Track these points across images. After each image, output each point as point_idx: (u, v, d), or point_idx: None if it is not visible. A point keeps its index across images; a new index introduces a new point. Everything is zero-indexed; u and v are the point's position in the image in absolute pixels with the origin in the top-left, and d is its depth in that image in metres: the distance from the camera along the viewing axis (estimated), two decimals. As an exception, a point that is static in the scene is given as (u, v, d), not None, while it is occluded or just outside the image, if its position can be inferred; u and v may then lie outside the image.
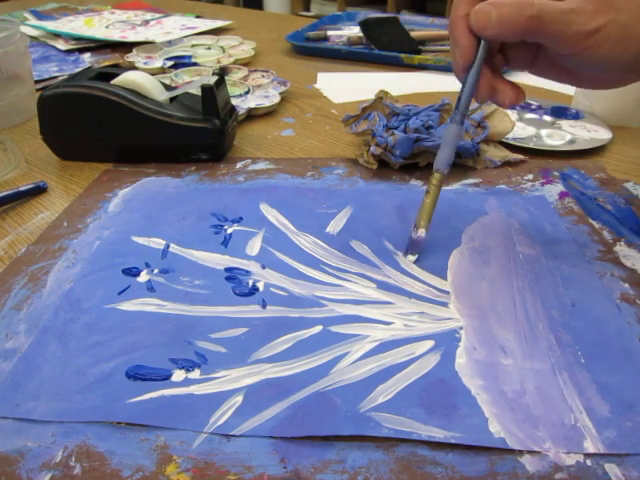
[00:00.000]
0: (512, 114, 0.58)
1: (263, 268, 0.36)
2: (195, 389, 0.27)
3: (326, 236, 0.39)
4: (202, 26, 0.97)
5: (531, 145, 0.52)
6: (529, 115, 0.59)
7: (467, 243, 0.38)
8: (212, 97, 0.47)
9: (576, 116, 0.58)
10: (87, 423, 0.26)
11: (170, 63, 0.75)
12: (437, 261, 0.37)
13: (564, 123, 0.56)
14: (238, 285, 0.35)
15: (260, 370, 0.28)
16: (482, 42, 0.31)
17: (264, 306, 0.33)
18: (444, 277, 0.35)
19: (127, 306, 0.33)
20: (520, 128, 0.55)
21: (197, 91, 0.50)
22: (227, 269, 0.36)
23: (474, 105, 0.53)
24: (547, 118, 0.58)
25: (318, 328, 0.31)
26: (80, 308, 0.33)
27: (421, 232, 0.35)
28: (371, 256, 0.37)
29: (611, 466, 0.23)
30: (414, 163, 0.48)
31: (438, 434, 0.25)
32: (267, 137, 0.57)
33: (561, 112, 0.59)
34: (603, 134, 0.54)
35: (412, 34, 0.85)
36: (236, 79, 0.67)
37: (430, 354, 0.29)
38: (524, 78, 0.75)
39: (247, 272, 0.36)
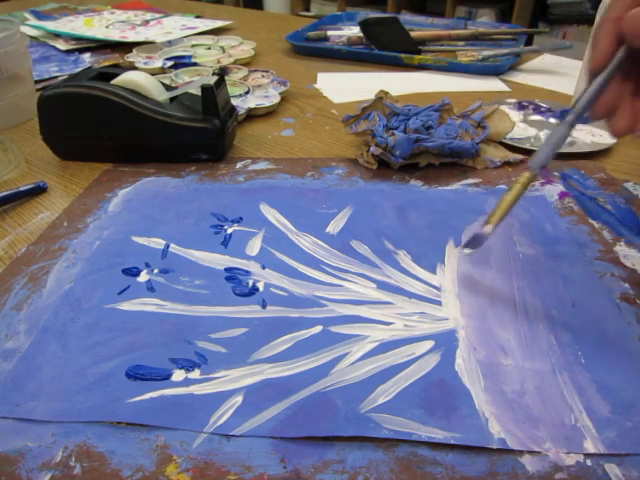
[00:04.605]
0: (516, 115, 0.58)
1: (263, 268, 0.36)
2: (195, 389, 0.27)
3: (326, 236, 0.39)
4: (202, 26, 0.97)
5: (527, 146, 0.52)
6: (534, 117, 0.59)
7: (467, 243, 0.38)
8: (212, 97, 0.47)
9: (585, 120, 0.57)
10: (87, 423, 0.26)
11: (170, 63, 0.75)
12: (437, 261, 0.37)
13: None
14: (238, 285, 0.35)
15: (260, 370, 0.28)
16: (623, 49, 0.28)
17: (264, 306, 0.33)
18: (444, 277, 0.35)
19: (127, 306, 0.33)
20: (521, 129, 0.55)
21: (197, 91, 0.50)
22: (227, 269, 0.36)
23: (474, 105, 0.53)
24: (553, 121, 0.58)
25: (318, 328, 0.31)
26: (80, 308, 0.33)
27: (488, 228, 0.31)
28: (371, 256, 0.37)
29: (611, 466, 0.23)
30: (414, 163, 0.48)
31: (438, 435, 0.25)
32: (267, 137, 0.57)
33: None
34: (607, 139, 0.53)
35: (412, 34, 0.85)
36: (236, 79, 0.67)
37: (430, 354, 0.29)
38: (522, 78, 0.75)
39: (247, 272, 0.36)
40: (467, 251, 0.33)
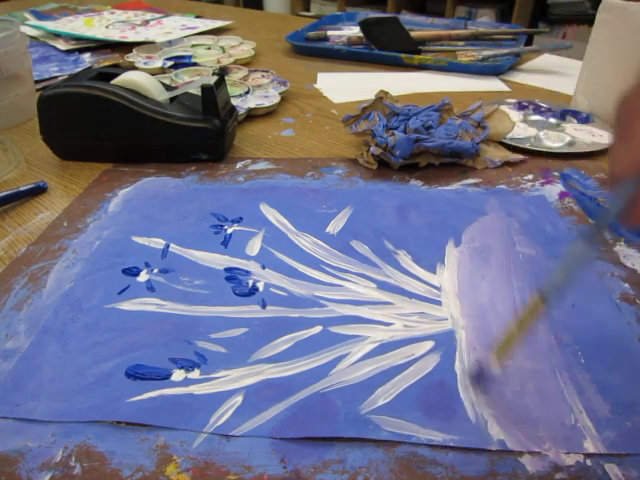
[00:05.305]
0: (516, 115, 0.58)
1: (263, 268, 0.36)
2: (195, 389, 0.27)
3: (326, 236, 0.39)
4: (202, 26, 0.97)
5: (527, 146, 0.51)
6: (534, 117, 0.59)
7: (467, 243, 0.38)
8: (212, 97, 0.47)
9: (586, 120, 0.57)
10: (87, 423, 0.26)
11: (170, 63, 0.75)
12: (437, 261, 0.37)
13: (569, 126, 0.56)
14: (238, 285, 0.35)
15: (260, 370, 0.28)
16: None
17: (264, 306, 0.33)
18: (444, 277, 0.35)
19: (127, 306, 0.33)
20: (521, 129, 0.55)
21: (197, 91, 0.50)
22: (227, 269, 0.36)
23: (474, 105, 0.53)
24: (553, 120, 0.58)
25: (318, 328, 0.31)
26: (80, 308, 0.33)
27: (495, 366, 0.26)
28: (371, 256, 0.37)
29: (611, 466, 0.23)
30: (414, 163, 0.48)
31: (437, 437, 0.25)
32: (267, 137, 0.57)
33: (570, 115, 0.58)
34: (607, 139, 0.53)
35: (412, 34, 0.84)
36: (236, 79, 0.67)
37: (430, 355, 0.29)
38: (522, 78, 0.75)
39: (247, 272, 0.36)
40: (472, 388, 0.27)
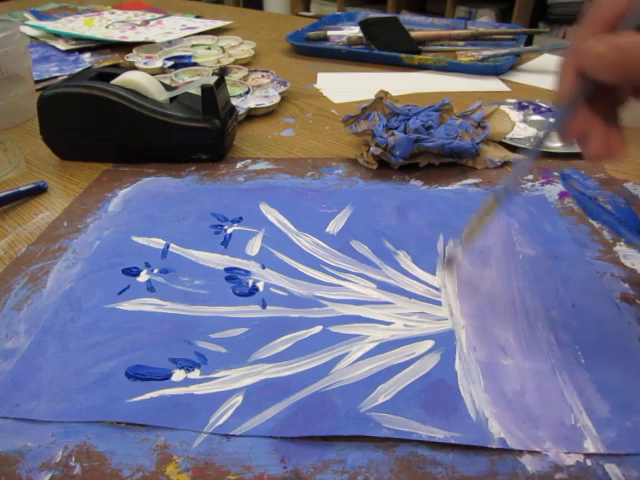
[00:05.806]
0: (516, 115, 0.58)
1: (263, 268, 0.36)
2: (195, 389, 0.27)
3: (326, 236, 0.39)
4: (202, 26, 0.97)
5: (527, 146, 0.51)
6: (534, 117, 0.58)
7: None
8: (212, 97, 0.47)
9: None
10: (87, 423, 0.26)
11: (170, 63, 0.75)
12: (437, 262, 0.37)
13: None
14: (238, 285, 0.35)
15: (260, 370, 0.28)
16: (586, 81, 0.26)
17: (264, 306, 0.33)
18: (444, 277, 0.35)
19: (127, 306, 0.33)
20: (521, 129, 0.55)
21: (197, 91, 0.50)
22: (227, 269, 0.36)
23: (474, 105, 0.53)
24: (553, 121, 0.58)
25: (318, 328, 0.31)
26: (80, 308, 0.33)
27: (458, 251, 0.36)
28: (371, 256, 0.37)
29: (611, 466, 0.23)
30: (414, 163, 0.48)
31: (438, 434, 0.25)
32: (267, 137, 0.57)
33: None
34: None
35: (412, 34, 0.84)
36: (236, 79, 0.67)
37: (430, 354, 0.29)
38: (522, 78, 0.75)
39: (247, 272, 0.36)
40: (445, 270, 0.36)
